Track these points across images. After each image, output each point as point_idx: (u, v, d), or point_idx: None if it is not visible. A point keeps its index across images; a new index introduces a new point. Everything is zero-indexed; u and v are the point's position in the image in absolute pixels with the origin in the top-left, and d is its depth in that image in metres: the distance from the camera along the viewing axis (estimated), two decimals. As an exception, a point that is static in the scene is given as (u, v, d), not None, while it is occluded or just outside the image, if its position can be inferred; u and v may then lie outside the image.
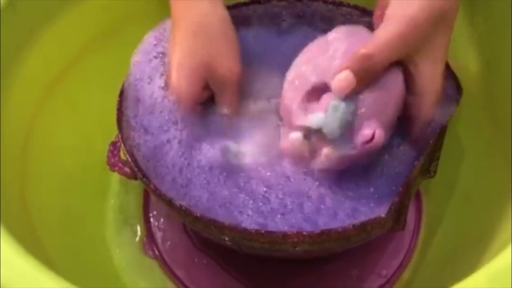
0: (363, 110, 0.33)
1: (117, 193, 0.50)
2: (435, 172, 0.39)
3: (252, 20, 0.46)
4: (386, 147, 0.39)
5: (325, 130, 0.34)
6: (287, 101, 0.36)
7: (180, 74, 0.37)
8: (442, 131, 0.37)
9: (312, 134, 0.35)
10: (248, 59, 0.41)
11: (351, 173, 0.38)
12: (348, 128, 0.34)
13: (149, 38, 0.42)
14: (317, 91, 0.34)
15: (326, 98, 0.34)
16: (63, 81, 0.46)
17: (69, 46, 0.46)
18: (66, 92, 0.46)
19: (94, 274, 0.44)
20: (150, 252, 0.47)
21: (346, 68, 0.32)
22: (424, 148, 0.36)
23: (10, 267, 0.30)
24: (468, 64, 0.44)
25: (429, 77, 0.34)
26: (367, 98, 0.33)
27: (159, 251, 0.47)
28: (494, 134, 0.43)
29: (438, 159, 0.39)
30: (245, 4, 0.44)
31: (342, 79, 0.32)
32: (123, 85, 0.41)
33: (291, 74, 0.37)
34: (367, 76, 0.33)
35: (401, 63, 0.34)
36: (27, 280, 0.30)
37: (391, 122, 0.35)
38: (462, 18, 0.44)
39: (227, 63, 0.37)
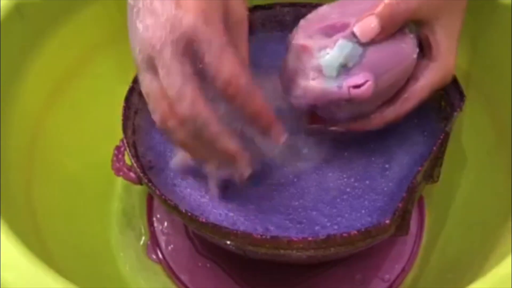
0: (365, 62, 0.34)
1: (121, 197, 0.50)
2: (438, 177, 0.40)
3: (256, 25, 0.47)
4: (390, 152, 0.39)
5: (323, 63, 0.34)
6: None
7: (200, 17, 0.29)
8: (445, 138, 0.37)
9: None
10: (251, 64, 0.41)
11: (354, 177, 0.38)
12: (344, 73, 0.34)
13: None
14: (334, 29, 0.34)
15: (338, 35, 0.34)
16: (69, 85, 0.46)
17: (75, 50, 0.46)
18: (71, 95, 0.46)
19: (97, 277, 0.44)
20: (154, 256, 0.47)
21: (373, 14, 0.33)
22: (427, 154, 0.36)
23: (14, 268, 0.30)
24: (470, 70, 0.44)
25: (445, 47, 0.35)
26: (375, 54, 0.34)
27: (162, 255, 0.47)
28: (496, 139, 0.44)
29: (441, 165, 0.39)
30: (248, 9, 0.44)
31: (368, 23, 0.33)
32: (128, 90, 0.41)
33: (312, 13, 0.36)
34: (391, 24, 0.33)
35: (420, 31, 0.35)
36: (31, 282, 0.30)
37: (386, 90, 0.35)
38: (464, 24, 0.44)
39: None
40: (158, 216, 0.49)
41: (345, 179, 0.38)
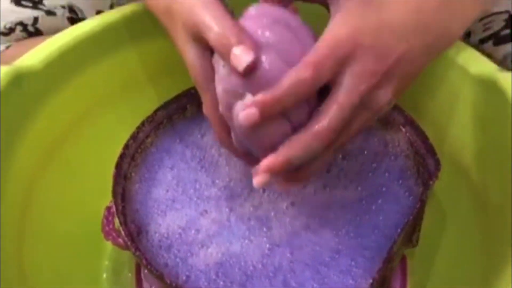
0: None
1: (110, 255, 0.51)
2: (417, 241, 0.41)
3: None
4: (367, 220, 0.41)
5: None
6: None
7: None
8: (421, 206, 0.39)
9: None
10: None
11: (333, 246, 0.39)
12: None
13: None
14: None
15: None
16: (62, 148, 0.47)
17: (69, 114, 0.47)
18: (64, 157, 0.47)
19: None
20: (142, 315, 0.48)
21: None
22: (405, 223, 0.38)
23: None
24: (444, 137, 0.46)
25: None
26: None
27: (151, 314, 0.47)
28: (473, 201, 0.45)
29: (419, 230, 0.40)
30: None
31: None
32: (119, 157, 0.43)
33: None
34: None
35: None
36: None
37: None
38: (442, 94, 0.46)
39: None
40: (146, 272, 0.50)
41: (334, 239, 0.39)
